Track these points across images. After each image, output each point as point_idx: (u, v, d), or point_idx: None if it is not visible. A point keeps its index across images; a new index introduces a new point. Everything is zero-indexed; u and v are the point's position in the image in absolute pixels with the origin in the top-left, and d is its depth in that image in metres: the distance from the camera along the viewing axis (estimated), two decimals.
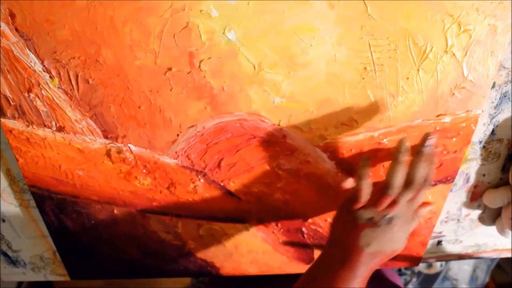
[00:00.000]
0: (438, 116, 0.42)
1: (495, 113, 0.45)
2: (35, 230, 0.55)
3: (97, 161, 0.45)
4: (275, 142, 0.44)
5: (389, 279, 0.60)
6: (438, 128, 0.43)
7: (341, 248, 0.42)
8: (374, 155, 0.45)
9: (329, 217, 0.51)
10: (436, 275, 1.11)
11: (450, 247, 0.58)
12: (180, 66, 0.39)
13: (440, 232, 0.56)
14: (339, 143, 0.44)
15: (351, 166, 0.46)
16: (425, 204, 0.44)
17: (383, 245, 0.41)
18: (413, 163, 0.40)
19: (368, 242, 0.40)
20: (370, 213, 0.41)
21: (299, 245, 0.54)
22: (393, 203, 0.41)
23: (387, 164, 0.45)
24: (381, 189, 0.41)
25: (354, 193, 0.42)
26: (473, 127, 0.43)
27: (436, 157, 0.41)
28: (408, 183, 0.40)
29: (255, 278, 0.58)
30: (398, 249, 0.42)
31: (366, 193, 0.41)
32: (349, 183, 0.47)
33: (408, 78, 0.40)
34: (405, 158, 0.40)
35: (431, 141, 0.40)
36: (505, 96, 0.43)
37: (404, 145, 0.40)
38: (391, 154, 0.41)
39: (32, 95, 0.41)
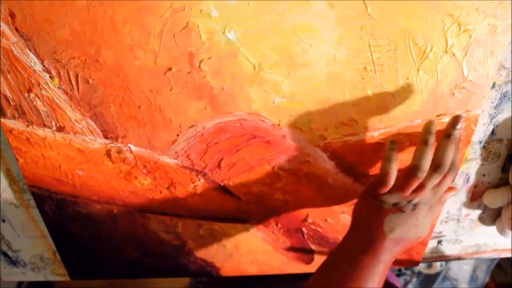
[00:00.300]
0: (438, 116, 0.42)
1: (495, 113, 0.45)
2: (35, 230, 0.55)
3: (97, 161, 0.45)
4: (275, 142, 0.44)
5: (387, 280, 0.60)
6: (438, 128, 0.43)
7: (364, 233, 0.41)
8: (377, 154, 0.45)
9: (329, 217, 0.51)
10: (436, 275, 1.11)
11: (450, 247, 0.58)
12: (180, 66, 0.39)
13: (440, 232, 0.56)
14: (339, 143, 0.44)
15: (351, 166, 0.46)
16: (449, 189, 0.43)
17: (408, 231, 0.40)
18: (441, 146, 0.39)
19: (392, 227, 0.39)
20: (395, 198, 0.40)
21: (299, 245, 0.54)
22: (420, 187, 0.39)
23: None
24: (407, 172, 0.39)
25: (381, 177, 0.40)
26: (473, 127, 0.43)
27: (462, 143, 0.39)
28: (435, 167, 0.39)
29: (255, 278, 0.58)
30: (422, 236, 0.41)
31: (393, 176, 0.40)
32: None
33: (408, 78, 0.40)
34: (433, 140, 0.38)
35: (461, 124, 0.38)
36: (505, 96, 0.43)
37: (432, 127, 0.38)
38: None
39: (32, 95, 0.41)
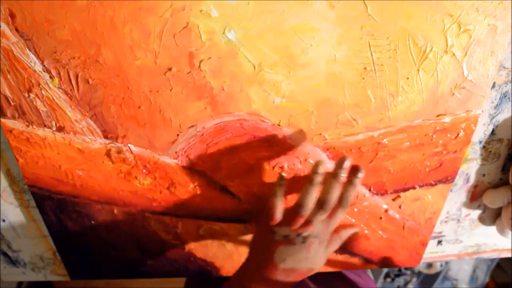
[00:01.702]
0: (438, 116, 0.42)
1: (495, 113, 0.45)
2: (35, 230, 0.55)
3: (97, 161, 0.45)
4: (275, 142, 0.44)
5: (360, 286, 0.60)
6: (438, 128, 0.43)
7: (257, 262, 0.43)
8: (374, 155, 0.45)
9: None
10: (436, 275, 1.11)
11: (450, 247, 0.58)
12: (180, 66, 0.39)
13: (440, 232, 0.56)
14: (339, 143, 0.44)
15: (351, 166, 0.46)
16: (348, 226, 0.46)
17: (299, 263, 0.41)
18: (328, 185, 0.41)
19: (283, 258, 0.41)
20: (285, 230, 0.42)
21: None
22: (307, 223, 0.41)
23: (387, 163, 0.46)
24: (293, 209, 0.42)
25: (267, 210, 0.43)
26: (473, 127, 0.43)
27: (359, 181, 0.41)
28: (320, 204, 0.41)
29: None
30: (315, 268, 0.43)
31: (278, 210, 0.42)
32: None
33: (408, 78, 0.40)
34: (319, 179, 0.40)
35: (346, 163, 0.40)
36: (505, 96, 0.43)
37: (319, 167, 0.40)
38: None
39: (32, 95, 0.41)
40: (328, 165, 0.41)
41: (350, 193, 0.41)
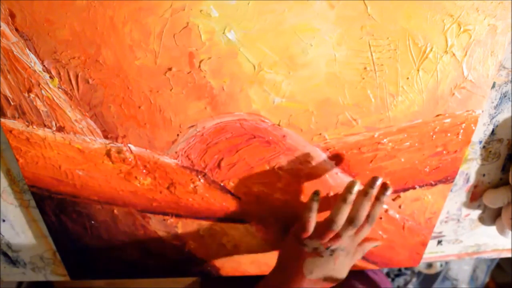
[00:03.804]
0: (438, 116, 0.42)
1: (495, 113, 0.45)
2: (35, 230, 0.55)
3: (97, 161, 0.45)
4: (275, 142, 0.44)
5: (380, 286, 0.61)
6: (438, 128, 0.43)
7: (287, 272, 0.45)
8: (374, 156, 0.45)
9: None
10: (436, 275, 1.11)
11: (450, 247, 0.58)
12: (180, 66, 0.39)
13: (440, 232, 0.56)
14: (339, 143, 0.44)
15: (351, 166, 0.46)
16: (371, 239, 0.49)
17: (325, 274, 0.44)
18: (359, 202, 0.43)
19: (311, 269, 0.44)
20: (315, 243, 0.45)
21: None
22: (337, 236, 0.44)
23: (387, 163, 0.46)
24: (325, 224, 0.44)
25: (302, 224, 0.45)
26: (473, 127, 0.43)
27: (386, 198, 0.44)
28: (350, 221, 0.43)
29: (255, 278, 0.58)
30: (339, 278, 0.46)
31: (312, 224, 0.45)
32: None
33: (408, 78, 0.40)
34: (352, 199, 0.42)
35: (378, 182, 0.43)
36: (505, 96, 0.43)
37: (353, 187, 0.42)
38: (343, 191, 0.43)
39: (32, 95, 0.41)
40: (358, 186, 0.43)
41: (377, 210, 0.44)
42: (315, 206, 0.44)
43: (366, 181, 0.44)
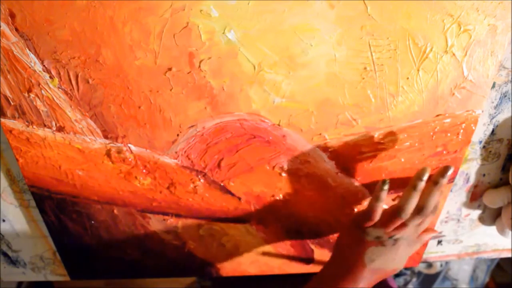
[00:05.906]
0: (438, 116, 0.42)
1: (495, 113, 0.45)
2: (35, 230, 0.55)
3: (97, 161, 0.45)
4: (275, 142, 0.44)
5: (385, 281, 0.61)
6: (438, 128, 0.43)
7: (346, 261, 0.44)
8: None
9: (329, 217, 0.51)
10: (436, 275, 1.11)
11: (450, 247, 0.58)
12: (180, 66, 0.39)
13: (440, 232, 0.56)
14: (339, 143, 0.44)
15: (351, 166, 0.46)
16: (430, 230, 0.47)
17: (386, 263, 0.43)
18: (427, 191, 0.42)
19: (372, 259, 0.43)
20: (378, 232, 0.43)
21: (299, 245, 0.54)
22: (402, 225, 0.43)
23: (387, 163, 0.46)
24: (393, 211, 0.42)
25: (367, 212, 0.43)
26: (473, 127, 0.43)
27: (448, 189, 0.44)
28: (419, 209, 0.42)
29: (255, 278, 0.58)
30: (398, 268, 0.45)
31: (378, 213, 0.43)
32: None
33: (408, 78, 0.40)
34: (422, 186, 0.41)
35: (449, 172, 0.41)
36: (505, 96, 0.43)
37: (424, 174, 0.41)
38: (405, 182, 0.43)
39: (32, 95, 0.41)
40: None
41: (440, 199, 0.43)
42: (383, 195, 0.42)
43: (437, 170, 0.42)
